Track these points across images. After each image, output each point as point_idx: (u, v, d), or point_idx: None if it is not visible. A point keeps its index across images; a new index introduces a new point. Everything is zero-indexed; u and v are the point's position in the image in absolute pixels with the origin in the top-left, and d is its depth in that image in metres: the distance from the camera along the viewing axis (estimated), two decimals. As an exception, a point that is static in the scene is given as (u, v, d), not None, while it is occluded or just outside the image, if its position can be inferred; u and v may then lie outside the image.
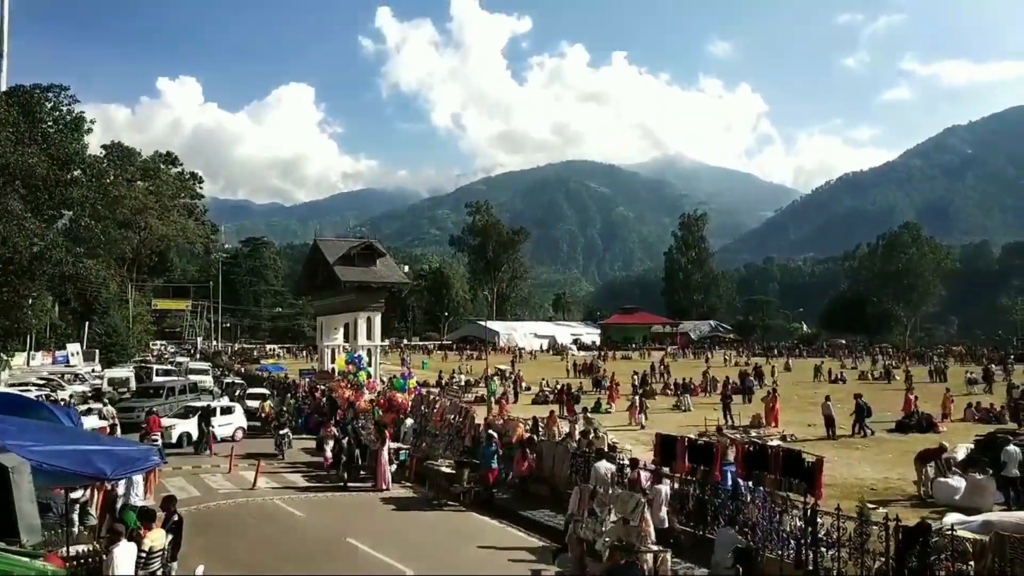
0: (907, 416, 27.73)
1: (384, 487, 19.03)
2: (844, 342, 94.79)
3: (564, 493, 16.84)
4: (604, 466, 14.65)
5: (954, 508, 14.83)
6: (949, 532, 9.98)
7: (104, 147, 77.72)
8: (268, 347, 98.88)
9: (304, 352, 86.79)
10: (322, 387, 34.30)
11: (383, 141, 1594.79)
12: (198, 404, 29.01)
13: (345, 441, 20.62)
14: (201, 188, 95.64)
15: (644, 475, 14.12)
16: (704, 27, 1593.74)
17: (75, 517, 12.43)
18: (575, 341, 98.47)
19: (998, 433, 19.60)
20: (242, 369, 58.67)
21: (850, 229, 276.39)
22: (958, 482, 16.28)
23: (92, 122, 64.46)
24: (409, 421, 23.77)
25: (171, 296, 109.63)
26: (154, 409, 26.13)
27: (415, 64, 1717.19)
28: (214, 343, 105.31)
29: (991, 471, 16.39)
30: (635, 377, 42.42)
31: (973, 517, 12.53)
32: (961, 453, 18.28)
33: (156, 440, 21.93)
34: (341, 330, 45.47)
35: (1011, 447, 16.73)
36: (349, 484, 19.44)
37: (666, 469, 15.00)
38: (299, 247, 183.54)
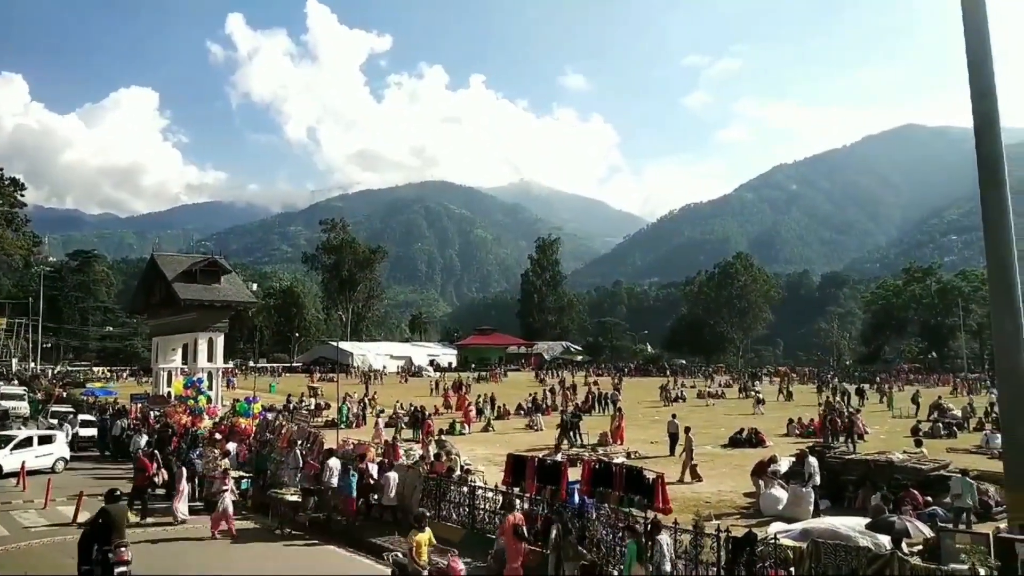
0: (738, 432, 29.72)
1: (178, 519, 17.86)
2: (684, 362, 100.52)
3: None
4: (333, 462, 17.96)
5: (778, 518, 16.01)
6: (772, 541, 10.74)
7: (-98, 145, 69.16)
8: (96, 369, 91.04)
9: (128, 374, 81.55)
10: (156, 413, 31.94)
11: (232, 152, 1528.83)
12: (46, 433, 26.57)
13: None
14: (22, 195, 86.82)
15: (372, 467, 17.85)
16: (559, 59, 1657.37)
17: None
18: (432, 362, 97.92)
19: (814, 447, 21.43)
20: (63, 394, 53.47)
21: (690, 256, 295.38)
22: (781, 493, 17.61)
23: None
24: (232, 446, 22.61)
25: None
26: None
27: (268, 74, 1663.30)
28: (32, 365, 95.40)
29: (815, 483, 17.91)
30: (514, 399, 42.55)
31: (793, 525, 13.58)
32: (784, 466, 19.80)
33: None
34: (179, 351, 42.67)
35: (811, 459, 18.42)
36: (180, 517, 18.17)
37: (516, 489, 15.17)
38: (135, 262, 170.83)
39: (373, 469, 17.78)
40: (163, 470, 20.11)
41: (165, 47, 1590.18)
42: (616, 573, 11.75)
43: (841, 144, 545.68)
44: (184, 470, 18.66)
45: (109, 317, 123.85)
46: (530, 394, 44.69)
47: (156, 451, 22.56)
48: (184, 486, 18.21)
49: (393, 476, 17.06)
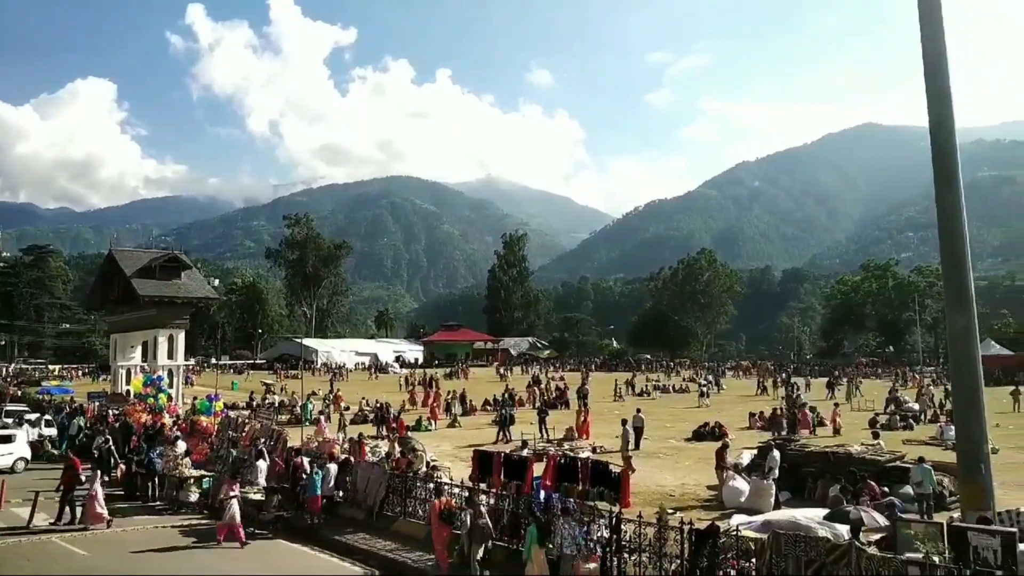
0: (702, 426, 30.11)
1: (98, 524, 16.89)
2: (649, 356, 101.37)
3: (381, 515, 16.57)
4: (260, 464, 18.26)
5: (740, 510, 16.26)
6: (734, 532, 10.91)
7: None
8: (52, 367, 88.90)
9: (84, 372, 79.83)
10: (115, 411, 31.28)
11: (193, 145, 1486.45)
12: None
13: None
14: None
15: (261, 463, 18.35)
16: (524, 55, 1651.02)
17: None
18: (398, 358, 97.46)
19: (776, 440, 21.79)
20: (19, 392, 52.09)
21: (655, 252, 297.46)
22: (743, 485, 17.88)
23: None
24: (182, 444, 22.15)
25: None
26: None
27: (230, 66, 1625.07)
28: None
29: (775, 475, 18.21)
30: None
31: (755, 517, 13.81)
32: (746, 459, 20.11)
33: None
34: (139, 348, 41.88)
35: (775, 452, 18.74)
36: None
37: (483, 484, 15.19)
38: (92, 257, 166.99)
39: (326, 467, 17.80)
40: (121, 466, 19.71)
41: (123, 37, 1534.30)
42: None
43: (802, 142, 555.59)
44: (99, 472, 17.89)
45: (65, 313, 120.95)
46: (505, 388, 44.85)
47: (112, 447, 22.18)
48: (98, 489, 17.19)
49: (332, 468, 17.42)
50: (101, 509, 17.10)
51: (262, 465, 18.24)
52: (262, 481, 17.74)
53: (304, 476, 17.75)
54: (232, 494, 16.00)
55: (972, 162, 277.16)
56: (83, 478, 18.33)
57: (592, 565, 11.48)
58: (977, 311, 12.19)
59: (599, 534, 11.92)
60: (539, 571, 11.46)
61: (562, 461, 15.43)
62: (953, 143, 12.17)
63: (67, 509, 17.34)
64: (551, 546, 11.76)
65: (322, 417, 32.32)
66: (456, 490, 15.36)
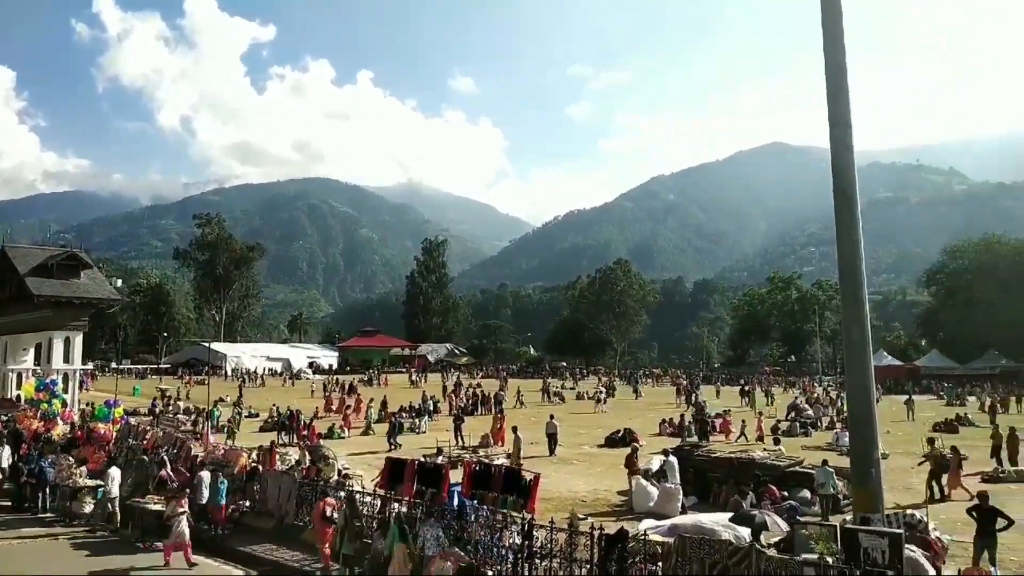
0: (614, 432, 30.71)
1: None
2: (565, 364, 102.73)
3: (291, 526, 16.14)
4: (114, 471, 17.60)
5: (649, 514, 16.65)
6: (642, 537, 11.16)
7: None
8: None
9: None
10: (3, 418, 29.34)
11: (97, 139, 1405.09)
12: None
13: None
14: None
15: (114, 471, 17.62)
16: (447, 61, 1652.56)
17: None
18: (311, 364, 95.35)
19: (684, 446, 22.45)
20: None
21: (573, 261, 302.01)
22: (652, 490, 18.34)
23: None
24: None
25: None
26: None
27: (139, 58, 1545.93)
28: None
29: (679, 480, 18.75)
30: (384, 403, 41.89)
31: (663, 522, 14.17)
32: (656, 465, 20.62)
33: None
34: (31, 351, 39.49)
35: (671, 458, 19.35)
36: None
37: (393, 492, 14.99)
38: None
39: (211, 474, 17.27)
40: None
41: (23, 23, 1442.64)
42: (491, 573, 11.90)
43: (714, 158, 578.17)
44: None
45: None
46: (429, 396, 44.48)
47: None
48: None
49: (205, 476, 16.83)
50: None
51: (115, 473, 17.46)
52: (114, 491, 16.99)
53: (174, 484, 17.19)
54: (180, 511, 14.88)
55: (870, 184, 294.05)
56: None
57: (448, 564, 11.59)
58: (871, 324, 12.90)
59: (511, 540, 11.98)
60: (400, 570, 11.83)
61: (476, 468, 15.39)
62: (852, 165, 12.83)
63: None
64: (415, 545, 12.11)
65: (208, 424, 31.29)
66: (368, 498, 15.16)
